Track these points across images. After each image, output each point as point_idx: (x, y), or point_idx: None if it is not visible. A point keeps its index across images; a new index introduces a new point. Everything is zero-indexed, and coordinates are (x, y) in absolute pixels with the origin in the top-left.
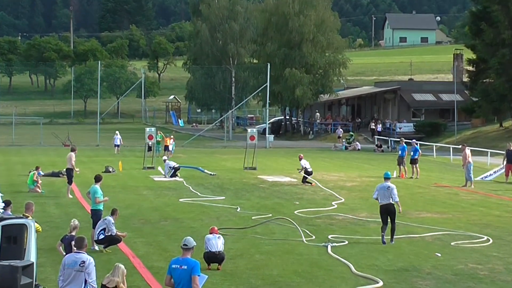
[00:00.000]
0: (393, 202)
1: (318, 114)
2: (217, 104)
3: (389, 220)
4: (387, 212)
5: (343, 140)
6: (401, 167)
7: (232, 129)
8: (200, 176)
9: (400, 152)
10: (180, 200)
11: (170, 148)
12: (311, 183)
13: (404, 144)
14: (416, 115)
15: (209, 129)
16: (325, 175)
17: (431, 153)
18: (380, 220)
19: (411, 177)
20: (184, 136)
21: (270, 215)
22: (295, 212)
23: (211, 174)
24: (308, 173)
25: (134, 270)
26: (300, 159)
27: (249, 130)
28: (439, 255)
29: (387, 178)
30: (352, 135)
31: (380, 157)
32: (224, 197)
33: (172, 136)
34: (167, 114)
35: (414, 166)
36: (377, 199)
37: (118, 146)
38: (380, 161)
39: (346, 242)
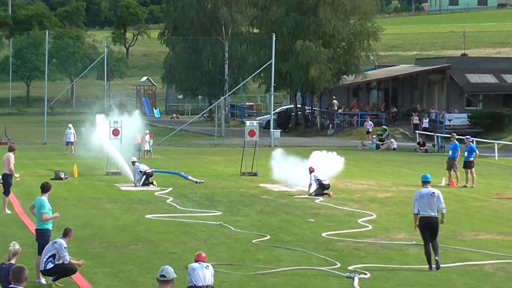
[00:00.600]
0: (437, 215)
1: (335, 101)
2: (204, 89)
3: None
4: (430, 226)
5: (374, 136)
6: (452, 172)
7: (225, 122)
8: (183, 185)
9: (450, 152)
10: (155, 216)
11: (147, 147)
12: (328, 194)
13: (456, 142)
14: (471, 103)
15: (195, 122)
16: (350, 183)
17: (492, 154)
18: (422, 239)
19: (465, 186)
20: (160, 130)
21: (268, 237)
22: (322, 234)
23: (197, 182)
24: (325, 187)
25: None
26: (311, 172)
27: (247, 123)
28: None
29: (426, 181)
30: (385, 130)
31: (423, 159)
32: (217, 212)
33: (147, 132)
34: (139, 101)
35: (469, 171)
36: (418, 213)
37: (72, 144)
38: (424, 164)
39: (379, 273)
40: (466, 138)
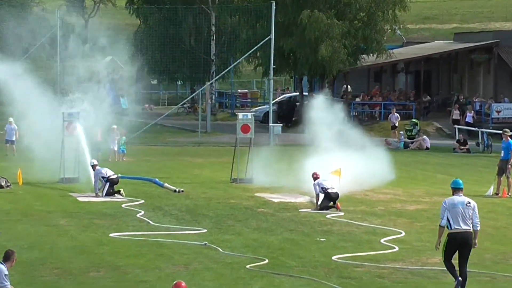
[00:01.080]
0: (471, 230)
1: (347, 86)
2: (185, 72)
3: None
4: (463, 244)
5: (401, 132)
6: (503, 178)
7: (211, 114)
8: (158, 194)
9: (502, 153)
10: (122, 234)
11: (115, 146)
12: (335, 206)
13: (510, 140)
14: None
15: (173, 114)
16: (370, 192)
17: None
18: (445, 262)
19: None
20: (129, 125)
21: (266, 261)
22: (335, 258)
23: (175, 191)
24: (331, 197)
25: None
26: (315, 179)
27: (240, 115)
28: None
29: (458, 188)
30: (416, 124)
31: (464, 162)
32: (201, 229)
33: (115, 126)
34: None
35: None
36: (446, 225)
37: (13, 142)
38: (465, 168)
39: None
40: (504, 131)
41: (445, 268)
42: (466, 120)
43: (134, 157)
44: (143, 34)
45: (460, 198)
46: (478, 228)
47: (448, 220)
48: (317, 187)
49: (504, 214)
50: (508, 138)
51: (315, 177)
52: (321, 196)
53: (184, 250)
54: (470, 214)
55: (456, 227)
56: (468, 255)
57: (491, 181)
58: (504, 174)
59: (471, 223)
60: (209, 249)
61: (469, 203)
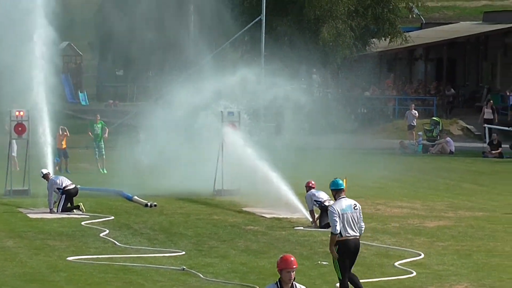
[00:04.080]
0: (359, 236)
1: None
2: (157, 60)
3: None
4: (355, 252)
5: (420, 133)
6: None
7: None
8: (126, 210)
9: None
10: (82, 258)
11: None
12: None
13: None
14: None
15: (145, 111)
16: (383, 205)
17: None
18: (340, 271)
19: None
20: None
21: None
22: (338, 285)
23: (147, 205)
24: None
25: None
26: (309, 189)
27: (224, 113)
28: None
29: (339, 189)
30: (437, 123)
31: (497, 168)
32: (179, 252)
33: (64, 128)
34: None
35: None
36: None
37: None
38: (498, 176)
39: None
40: None
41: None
42: (485, 117)
43: (94, 164)
44: (105, 15)
45: (347, 201)
46: (362, 233)
47: (340, 227)
48: (310, 200)
49: None
50: None
51: (310, 186)
52: (318, 211)
53: (157, 277)
54: (357, 218)
55: (347, 234)
56: (354, 263)
57: None
58: None
59: (358, 227)
60: (188, 275)
61: (356, 205)
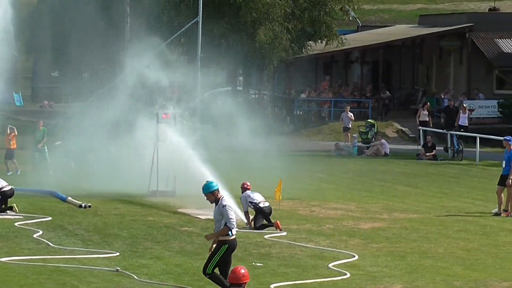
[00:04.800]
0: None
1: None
2: (94, 61)
3: None
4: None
5: (355, 135)
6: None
7: None
8: (60, 210)
9: (504, 164)
10: (14, 259)
11: None
12: (274, 226)
13: None
14: (504, 84)
15: (80, 113)
16: (317, 207)
17: None
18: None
19: (504, 211)
20: (24, 126)
21: None
22: (272, 286)
23: (81, 206)
24: (265, 213)
25: None
26: (244, 190)
27: (160, 113)
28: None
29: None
30: (372, 125)
31: (431, 170)
32: (113, 253)
33: (12, 128)
34: None
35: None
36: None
37: None
38: (432, 178)
39: None
40: (506, 139)
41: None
42: (460, 123)
43: (29, 166)
44: (40, 14)
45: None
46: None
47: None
48: (245, 201)
49: (477, 234)
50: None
51: (245, 187)
52: (253, 212)
53: (91, 278)
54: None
55: (234, 233)
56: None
57: (461, 194)
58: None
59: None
60: (121, 276)
61: (225, 206)
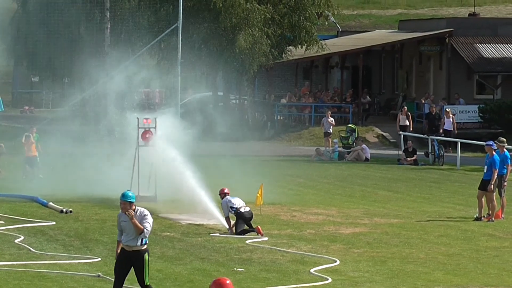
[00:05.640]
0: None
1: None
2: (73, 67)
3: None
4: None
5: (335, 140)
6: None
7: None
8: (41, 216)
9: (485, 169)
10: None
11: None
12: (255, 231)
13: (506, 151)
14: (484, 89)
15: (60, 118)
16: (299, 212)
17: None
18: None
19: (485, 216)
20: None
21: None
22: None
23: (62, 211)
24: (245, 218)
25: None
26: (224, 196)
27: (140, 119)
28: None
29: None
30: (353, 130)
31: (412, 175)
32: (94, 258)
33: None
34: None
35: (488, 194)
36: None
37: None
38: (413, 183)
39: None
40: (488, 144)
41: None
42: (445, 127)
43: (8, 170)
44: (20, 21)
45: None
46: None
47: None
48: (226, 206)
49: (458, 239)
50: (504, 149)
51: (223, 194)
52: (233, 217)
53: (73, 283)
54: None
55: (125, 241)
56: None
57: (442, 199)
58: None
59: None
60: (103, 282)
61: (146, 215)
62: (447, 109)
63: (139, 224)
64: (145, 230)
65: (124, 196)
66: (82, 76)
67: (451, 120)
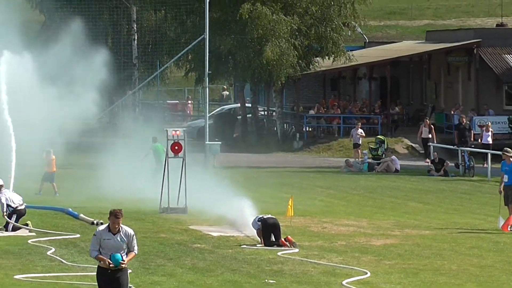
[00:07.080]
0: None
1: (226, 92)
2: (101, 78)
3: None
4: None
5: (365, 152)
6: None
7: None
8: (72, 228)
9: (507, 178)
10: (28, 277)
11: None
12: (282, 244)
13: None
14: None
15: (86, 130)
16: (329, 223)
17: None
18: None
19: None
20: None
21: None
22: None
23: (93, 223)
24: (269, 225)
25: None
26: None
27: (169, 131)
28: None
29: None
30: (382, 142)
31: (442, 186)
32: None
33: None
34: None
35: None
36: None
37: None
38: (443, 194)
39: None
40: (504, 150)
41: None
42: (484, 141)
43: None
44: (49, 32)
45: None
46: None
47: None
48: (254, 222)
49: (490, 251)
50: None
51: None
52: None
53: None
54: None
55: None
56: None
57: (473, 210)
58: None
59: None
60: None
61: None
62: (489, 123)
63: (131, 258)
64: (135, 253)
65: (114, 262)
66: (110, 88)
67: (490, 134)
